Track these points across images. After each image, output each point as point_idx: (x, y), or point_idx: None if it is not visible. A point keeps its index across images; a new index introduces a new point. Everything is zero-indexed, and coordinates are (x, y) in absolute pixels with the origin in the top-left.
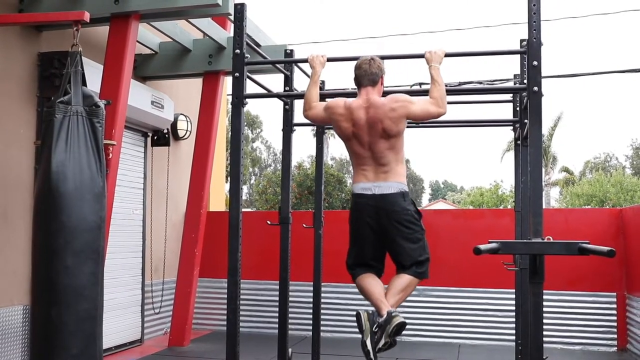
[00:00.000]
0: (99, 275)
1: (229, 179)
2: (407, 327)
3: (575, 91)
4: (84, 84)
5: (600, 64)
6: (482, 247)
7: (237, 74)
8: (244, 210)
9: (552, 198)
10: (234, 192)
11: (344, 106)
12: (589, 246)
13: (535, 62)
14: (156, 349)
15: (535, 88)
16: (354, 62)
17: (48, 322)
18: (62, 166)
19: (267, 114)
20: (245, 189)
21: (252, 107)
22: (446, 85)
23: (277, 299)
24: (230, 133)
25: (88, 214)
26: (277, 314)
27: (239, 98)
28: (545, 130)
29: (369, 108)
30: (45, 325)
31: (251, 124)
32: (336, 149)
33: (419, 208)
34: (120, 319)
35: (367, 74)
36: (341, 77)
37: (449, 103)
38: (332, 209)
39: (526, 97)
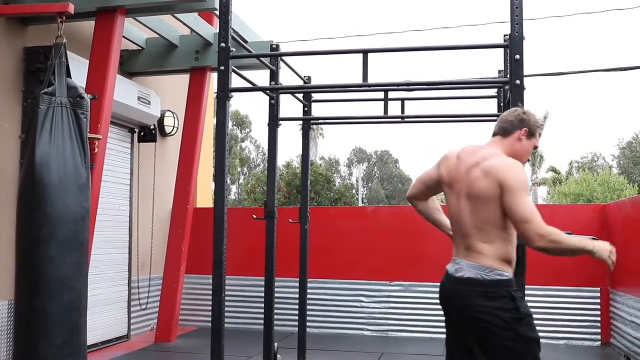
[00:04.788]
0: (84, 266)
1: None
2: (393, 322)
3: (562, 91)
4: (69, 75)
5: (586, 63)
6: None
7: (222, 68)
8: (231, 207)
9: (540, 197)
10: (219, 185)
11: None
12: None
13: (517, 56)
14: (142, 345)
15: (518, 81)
16: (339, 57)
17: (31, 312)
18: (46, 157)
19: (256, 113)
20: (234, 189)
21: (241, 106)
22: (431, 85)
23: (263, 294)
24: (215, 127)
25: (72, 204)
26: (263, 310)
27: (224, 91)
28: None
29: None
30: (28, 316)
31: (240, 124)
32: (325, 148)
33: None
34: (106, 314)
35: (497, 126)
36: (327, 73)
37: (435, 98)
38: None
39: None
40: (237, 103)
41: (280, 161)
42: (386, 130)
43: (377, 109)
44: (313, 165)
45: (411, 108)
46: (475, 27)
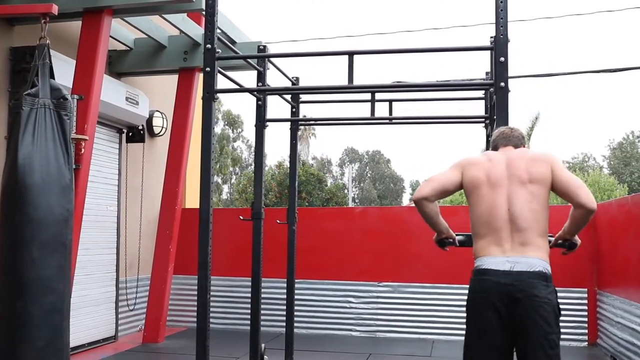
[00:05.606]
0: (66, 268)
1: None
2: (382, 322)
3: (553, 92)
4: (52, 76)
5: (577, 64)
6: (447, 240)
7: (208, 69)
8: (220, 207)
9: None
10: (205, 187)
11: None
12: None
13: (502, 59)
14: (130, 346)
15: (502, 84)
16: (328, 58)
17: (13, 315)
18: (28, 159)
19: (247, 113)
20: (225, 188)
21: (233, 106)
22: (417, 87)
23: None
24: (201, 128)
25: (55, 206)
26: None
27: (210, 93)
28: (523, 130)
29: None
30: (10, 318)
31: (232, 124)
32: (317, 148)
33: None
34: (93, 315)
35: (508, 138)
36: (318, 74)
37: (422, 100)
38: None
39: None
40: (229, 103)
41: (272, 161)
42: (378, 130)
43: (366, 110)
44: (305, 165)
45: (400, 109)
46: (465, 28)
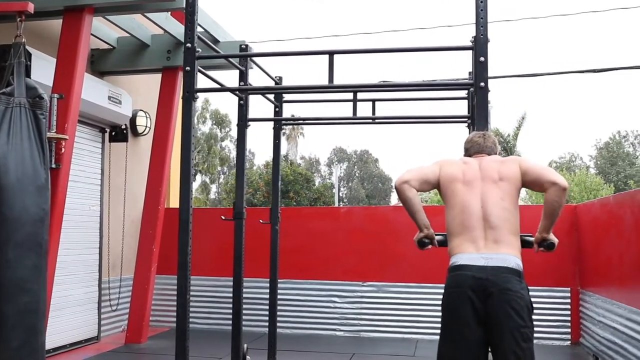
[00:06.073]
0: (42, 269)
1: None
2: (366, 322)
3: (540, 92)
4: (28, 75)
5: (564, 64)
6: (426, 240)
7: (187, 68)
8: (206, 207)
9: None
10: (185, 187)
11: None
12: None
13: (482, 58)
14: (112, 346)
15: (482, 84)
16: (315, 58)
17: None
18: (3, 158)
19: (236, 113)
20: (213, 188)
21: (221, 105)
22: (397, 86)
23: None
24: (181, 127)
25: (30, 206)
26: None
27: (189, 92)
28: (510, 130)
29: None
30: None
31: (220, 123)
32: (306, 148)
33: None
34: (75, 316)
35: (481, 147)
36: (304, 74)
37: (404, 99)
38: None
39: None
40: (217, 102)
41: (261, 160)
42: (366, 130)
43: (351, 110)
44: (293, 165)
45: (386, 109)
46: (451, 28)
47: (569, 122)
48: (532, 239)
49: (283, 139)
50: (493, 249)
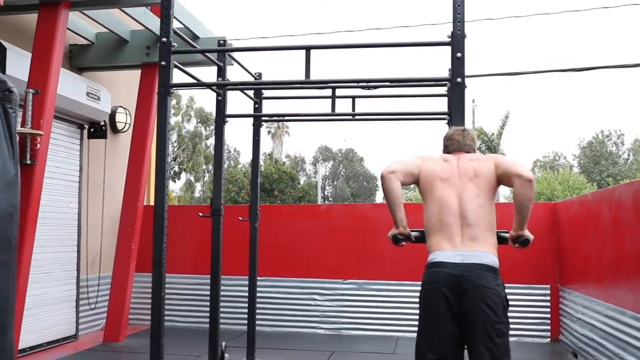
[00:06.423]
0: (11, 266)
1: (154, 171)
2: (346, 320)
3: (524, 90)
4: (2, 70)
5: (547, 64)
6: (401, 236)
7: (163, 63)
8: (185, 205)
9: (502, 195)
10: (160, 184)
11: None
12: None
13: (459, 54)
14: (90, 345)
15: (459, 79)
16: (298, 57)
17: None
18: None
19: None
20: (198, 186)
21: (206, 104)
22: (374, 82)
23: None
24: (156, 124)
25: None
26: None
27: (165, 87)
28: (494, 129)
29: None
30: None
31: (205, 121)
32: (291, 146)
33: None
34: (52, 314)
35: (460, 144)
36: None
37: (384, 96)
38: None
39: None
40: (202, 100)
41: (246, 159)
42: (352, 129)
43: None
44: (277, 163)
45: (367, 106)
46: (435, 26)
47: (553, 121)
48: (507, 235)
49: (268, 138)
50: (469, 246)
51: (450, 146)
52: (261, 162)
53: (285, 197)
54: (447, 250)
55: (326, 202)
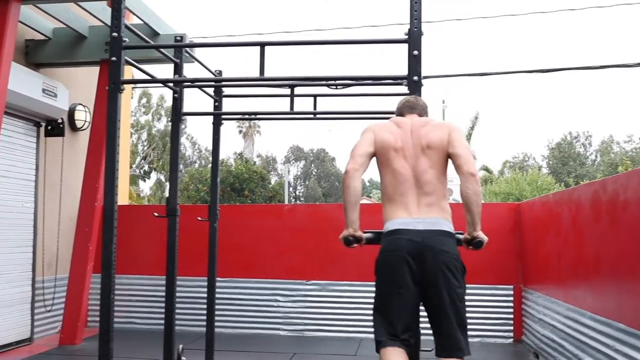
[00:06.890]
0: None
1: (105, 171)
2: (309, 321)
3: (493, 92)
4: None
5: (514, 65)
6: (352, 237)
7: (114, 58)
8: (145, 204)
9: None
10: (109, 184)
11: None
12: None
13: (415, 52)
14: (46, 348)
15: (415, 77)
16: (256, 52)
17: None
18: None
19: (192, 110)
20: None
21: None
22: (331, 79)
23: (179, 294)
24: (106, 121)
25: None
26: (177, 310)
27: (115, 84)
28: (464, 130)
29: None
30: None
31: None
32: (262, 146)
33: None
34: (6, 317)
35: (413, 104)
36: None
37: (346, 95)
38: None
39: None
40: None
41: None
42: (324, 128)
43: (301, 105)
44: (248, 163)
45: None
46: (403, 25)
47: (522, 122)
48: (462, 237)
49: (240, 137)
50: (425, 213)
51: (404, 109)
52: (232, 161)
53: (256, 196)
54: (404, 218)
55: (297, 202)
